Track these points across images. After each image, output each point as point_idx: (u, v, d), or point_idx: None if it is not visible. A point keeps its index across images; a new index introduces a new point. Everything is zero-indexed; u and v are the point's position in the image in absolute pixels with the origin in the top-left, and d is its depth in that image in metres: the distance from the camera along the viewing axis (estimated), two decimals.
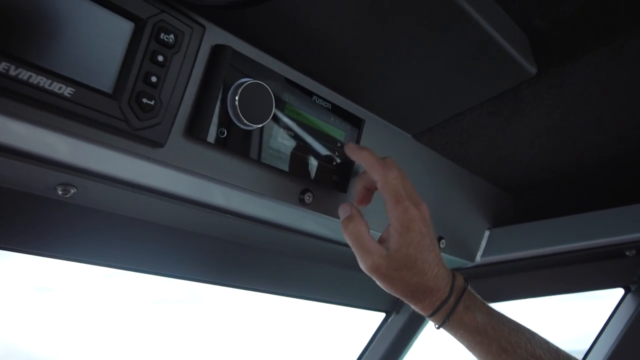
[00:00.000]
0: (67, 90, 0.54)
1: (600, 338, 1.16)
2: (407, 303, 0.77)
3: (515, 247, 1.13)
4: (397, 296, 0.76)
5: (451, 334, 0.78)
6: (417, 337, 1.34)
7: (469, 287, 0.78)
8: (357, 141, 0.84)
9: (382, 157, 0.75)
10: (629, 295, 1.14)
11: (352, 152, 0.77)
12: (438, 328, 0.77)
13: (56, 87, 0.53)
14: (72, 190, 0.69)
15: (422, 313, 0.76)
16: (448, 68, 0.81)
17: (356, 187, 0.79)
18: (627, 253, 1.08)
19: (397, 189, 0.72)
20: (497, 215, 1.17)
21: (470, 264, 1.14)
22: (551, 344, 0.77)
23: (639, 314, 1.10)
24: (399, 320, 1.32)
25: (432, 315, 0.75)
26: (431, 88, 0.85)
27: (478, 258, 1.15)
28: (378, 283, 0.75)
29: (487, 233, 1.15)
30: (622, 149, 1.02)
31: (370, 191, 0.78)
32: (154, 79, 0.59)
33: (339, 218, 0.83)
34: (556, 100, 0.87)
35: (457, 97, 0.87)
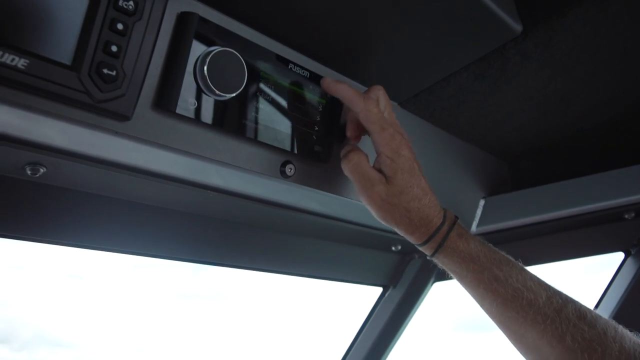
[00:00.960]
0: (21, 62, 0.52)
1: (602, 303, 1.17)
2: (402, 233, 0.79)
3: (512, 216, 1.13)
4: (394, 225, 0.78)
5: (443, 264, 0.79)
6: (415, 310, 1.35)
7: (458, 219, 0.81)
8: (340, 110, 0.83)
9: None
10: (629, 259, 1.14)
11: (329, 87, 0.77)
12: (431, 256, 0.79)
13: (8, 58, 0.51)
14: (42, 170, 0.69)
15: (415, 242, 0.78)
16: (430, 30, 0.79)
17: (348, 125, 0.80)
18: (626, 216, 1.08)
19: (378, 117, 0.74)
20: (493, 184, 1.17)
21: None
22: (541, 279, 0.79)
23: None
24: (397, 294, 1.33)
25: (426, 243, 0.77)
26: (414, 52, 0.84)
27: (474, 228, 1.14)
28: (376, 213, 0.78)
29: (482, 202, 1.15)
30: (617, 109, 1.01)
31: (360, 125, 0.80)
32: (114, 48, 0.58)
33: (323, 190, 0.84)
34: (544, 59, 0.86)
35: (441, 61, 0.86)
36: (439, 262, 0.80)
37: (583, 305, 0.76)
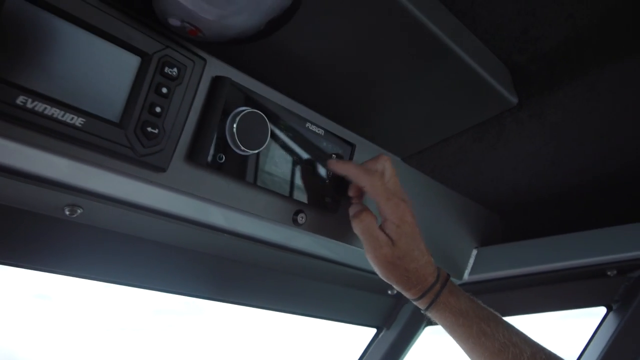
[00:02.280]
0: (79, 121, 0.55)
1: (583, 356, 1.17)
2: (399, 289, 0.82)
3: (502, 266, 1.15)
4: (393, 282, 0.81)
5: (435, 318, 0.82)
6: (407, 352, 1.35)
7: (450, 277, 0.84)
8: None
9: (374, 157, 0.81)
10: (610, 314, 1.15)
11: (336, 166, 0.81)
12: (425, 311, 0.82)
13: (68, 117, 0.54)
14: (79, 211, 0.71)
15: (411, 297, 0.82)
16: (434, 98, 0.83)
17: (351, 186, 0.83)
18: (609, 273, 1.10)
19: (383, 189, 0.77)
20: (485, 235, 1.19)
21: (458, 282, 1.15)
22: (527, 335, 0.81)
23: (620, 332, 1.11)
24: (390, 335, 1.32)
25: (420, 298, 0.80)
26: (419, 115, 0.88)
27: (466, 276, 1.16)
28: (380, 271, 0.81)
29: (474, 252, 1.17)
30: (601, 173, 1.04)
31: (362, 194, 0.84)
32: (158, 109, 0.61)
33: (330, 237, 0.87)
34: (537, 128, 0.90)
35: (444, 124, 0.90)
36: (432, 316, 0.82)
37: None
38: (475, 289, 1.20)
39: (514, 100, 0.82)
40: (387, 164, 0.81)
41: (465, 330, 0.80)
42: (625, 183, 1.06)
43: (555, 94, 0.83)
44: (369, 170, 0.79)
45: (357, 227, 0.80)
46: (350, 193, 0.82)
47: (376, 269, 0.81)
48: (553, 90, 0.82)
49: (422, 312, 0.83)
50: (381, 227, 0.80)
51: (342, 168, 0.81)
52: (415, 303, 0.82)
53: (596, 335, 1.16)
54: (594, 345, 1.15)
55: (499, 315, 0.81)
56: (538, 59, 0.78)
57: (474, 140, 0.93)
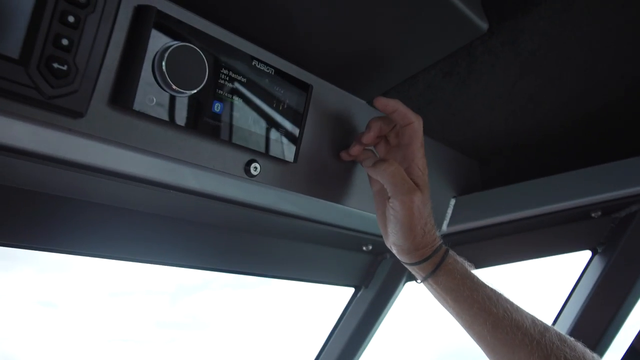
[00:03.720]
0: None
1: (569, 301, 1.19)
2: (409, 248, 0.81)
3: (482, 215, 1.14)
4: (409, 239, 0.80)
5: (439, 283, 0.82)
6: (387, 310, 1.36)
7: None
8: (306, 108, 0.82)
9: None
10: (596, 257, 1.17)
11: (383, 103, 0.80)
12: (429, 275, 0.81)
13: None
14: None
15: (416, 259, 0.81)
16: (396, 27, 0.79)
17: (372, 127, 0.82)
18: (593, 215, 1.11)
19: (422, 135, 0.82)
20: (463, 183, 1.18)
21: (440, 232, 1.15)
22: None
23: (607, 274, 1.13)
24: (369, 294, 1.33)
25: (426, 260, 0.81)
26: (381, 49, 0.84)
27: (444, 227, 1.15)
28: (407, 219, 0.79)
29: (452, 201, 1.16)
30: (585, 109, 1.02)
31: (380, 137, 0.85)
32: (65, 41, 0.56)
33: (290, 189, 0.84)
34: (511, 58, 0.87)
35: (409, 59, 0.86)
36: (435, 282, 0.82)
37: (561, 332, 0.80)
38: (455, 240, 1.20)
39: (484, 25, 0.78)
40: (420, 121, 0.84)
41: (470, 294, 0.80)
42: (609, 119, 1.04)
43: (529, 15, 0.79)
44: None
45: (386, 171, 0.79)
46: (366, 140, 0.82)
47: (403, 217, 0.80)
48: (526, 11, 0.78)
49: (420, 281, 0.84)
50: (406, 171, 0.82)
51: (391, 105, 0.80)
52: (416, 268, 0.83)
53: (582, 280, 1.18)
54: (580, 289, 1.18)
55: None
56: None
57: (443, 75, 0.89)
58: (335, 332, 1.38)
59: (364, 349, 1.40)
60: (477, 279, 0.82)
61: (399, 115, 0.81)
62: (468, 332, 0.83)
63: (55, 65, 0.55)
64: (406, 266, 0.85)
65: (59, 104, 0.57)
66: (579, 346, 0.78)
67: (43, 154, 0.65)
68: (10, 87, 0.53)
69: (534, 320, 0.79)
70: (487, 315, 0.79)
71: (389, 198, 0.80)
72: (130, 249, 0.93)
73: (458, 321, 0.83)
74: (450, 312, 0.84)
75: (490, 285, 0.82)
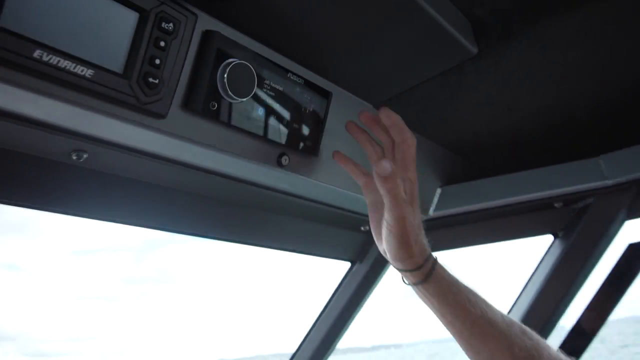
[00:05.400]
0: (88, 72, 0.59)
1: (530, 281, 1.26)
2: (403, 256, 0.81)
3: (462, 202, 1.22)
4: (402, 246, 0.80)
5: (428, 290, 0.82)
6: (378, 282, 1.42)
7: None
8: (326, 111, 0.90)
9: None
10: (556, 241, 1.23)
11: (388, 115, 0.82)
12: (420, 282, 0.81)
13: (79, 69, 0.58)
14: (85, 156, 0.75)
15: (408, 267, 0.81)
16: (402, 48, 0.86)
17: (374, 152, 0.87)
18: (556, 205, 1.19)
19: (414, 151, 0.82)
20: (448, 175, 1.24)
21: (424, 218, 1.20)
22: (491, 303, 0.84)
23: (564, 256, 1.20)
24: (363, 268, 1.38)
25: (418, 269, 0.80)
26: (388, 64, 0.91)
27: (431, 212, 1.22)
28: (398, 230, 0.79)
29: (438, 190, 1.23)
30: (553, 117, 1.10)
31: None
32: (157, 61, 0.65)
33: (312, 178, 0.91)
34: (495, 76, 0.95)
35: (411, 73, 0.93)
36: (426, 287, 0.81)
37: (522, 324, 0.83)
38: (439, 223, 1.29)
39: (474, 50, 0.85)
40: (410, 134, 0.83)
41: (454, 298, 0.81)
42: (572, 127, 1.12)
43: (511, 44, 0.87)
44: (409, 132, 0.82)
45: (385, 186, 0.78)
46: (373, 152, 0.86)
47: (395, 228, 0.80)
48: (509, 41, 0.86)
49: (413, 284, 0.83)
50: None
51: (392, 117, 0.82)
52: (409, 275, 0.82)
53: (543, 261, 1.25)
54: (542, 268, 1.24)
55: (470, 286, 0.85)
56: (496, 12, 0.81)
57: (439, 87, 0.96)
58: (332, 301, 1.44)
59: (356, 315, 1.45)
60: (461, 283, 0.83)
61: (397, 129, 0.82)
62: (448, 328, 0.84)
63: (150, 79, 0.65)
64: (398, 271, 0.84)
65: (149, 108, 0.66)
66: (535, 335, 0.81)
67: (128, 146, 0.75)
68: (116, 95, 0.63)
69: (503, 317, 0.82)
70: (467, 315, 0.81)
71: (384, 212, 0.80)
72: (184, 224, 1.01)
73: (440, 319, 0.84)
74: (433, 311, 0.84)
75: (470, 288, 0.83)
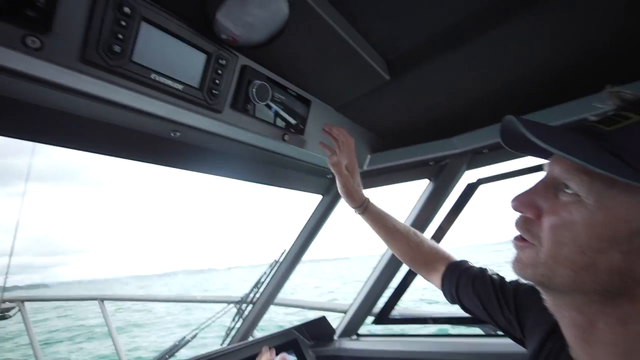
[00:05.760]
0: (180, 86, 0.63)
1: (417, 203, 1.24)
2: (350, 201, 0.84)
3: (381, 162, 1.21)
4: (349, 198, 0.83)
5: (367, 214, 0.84)
6: (335, 207, 1.37)
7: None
8: (308, 110, 0.90)
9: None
10: (430, 183, 1.22)
11: (337, 130, 0.83)
12: (363, 212, 0.83)
13: (176, 84, 0.62)
14: (178, 134, 0.78)
15: (354, 206, 0.84)
16: (347, 77, 0.83)
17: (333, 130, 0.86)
18: (430, 163, 1.17)
19: (352, 146, 0.85)
20: (374, 147, 1.22)
21: (361, 170, 1.19)
22: (398, 220, 0.86)
23: (434, 191, 1.19)
24: (327, 199, 1.34)
25: (359, 207, 0.84)
26: (340, 86, 0.89)
27: (365, 167, 1.21)
28: (344, 191, 0.82)
29: (369, 156, 1.23)
30: (432, 115, 1.04)
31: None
32: (217, 81, 0.69)
33: (302, 147, 0.91)
34: (401, 92, 0.92)
35: (352, 89, 0.91)
36: (364, 216, 0.84)
37: (416, 230, 0.85)
38: (370, 173, 1.28)
39: (387, 77, 0.83)
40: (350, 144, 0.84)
41: (379, 219, 0.85)
42: (443, 120, 1.08)
43: (411, 73, 0.84)
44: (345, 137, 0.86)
45: (334, 168, 0.81)
46: (331, 161, 0.86)
47: (342, 189, 0.83)
48: (410, 71, 0.83)
49: (357, 212, 0.85)
50: (345, 166, 0.84)
51: (336, 130, 0.85)
52: (355, 209, 0.85)
53: (423, 194, 1.24)
54: (422, 198, 1.24)
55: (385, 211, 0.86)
56: (403, 56, 0.78)
57: (366, 98, 0.94)
58: (307, 223, 1.38)
59: (318, 232, 1.38)
60: (382, 211, 0.83)
61: (343, 136, 0.86)
62: (379, 234, 0.84)
63: (214, 91, 0.68)
64: (350, 207, 0.86)
65: (213, 107, 0.69)
66: (420, 234, 0.85)
67: (203, 129, 0.76)
68: (196, 100, 0.66)
69: (405, 226, 0.84)
70: (386, 227, 0.83)
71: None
72: (230, 171, 0.99)
73: (375, 231, 0.84)
74: (372, 228, 0.85)
75: (387, 212, 0.84)
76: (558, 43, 0.70)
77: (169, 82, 0.61)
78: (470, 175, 1.18)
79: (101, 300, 2.69)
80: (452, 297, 0.74)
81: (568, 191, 0.40)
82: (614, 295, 0.38)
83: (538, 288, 0.44)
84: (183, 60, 0.63)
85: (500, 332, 0.65)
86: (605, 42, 0.69)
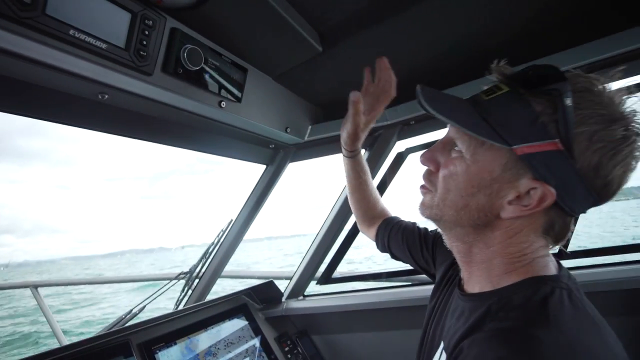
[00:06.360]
0: (104, 45, 0.61)
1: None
2: (352, 141, 0.80)
3: (321, 132, 1.23)
4: (354, 137, 0.78)
5: (356, 160, 0.85)
6: (279, 178, 1.39)
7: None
8: (245, 78, 0.89)
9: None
10: (366, 153, 1.22)
11: (356, 97, 0.74)
12: (354, 157, 0.83)
13: (99, 43, 0.60)
14: (106, 96, 0.75)
15: (352, 149, 0.81)
16: (282, 47, 0.83)
17: (354, 97, 0.75)
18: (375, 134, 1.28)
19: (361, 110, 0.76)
20: (314, 118, 1.24)
21: (302, 140, 1.23)
22: (369, 176, 0.88)
23: (371, 157, 1.20)
24: (271, 169, 1.36)
25: (354, 150, 0.82)
26: (276, 55, 0.90)
27: (306, 138, 1.23)
28: (351, 129, 0.77)
29: (310, 126, 1.23)
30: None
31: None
32: (144, 42, 0.67)
33: (239, 115, 0.91)
34: (333, 65, 0.93)
35: (288, 59, 0.91)
36: (353, 160, 0.84)
37: (377, 190, 0.87)
38: (310, 144, 1.32)
39: (320, 48, 0.84)
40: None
41: (361, 171, 0.87)
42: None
43: (343, 45, 0.85)
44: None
45: (354, 105, 0.75)
46: (354, 97, 0.75)
47: (350, 128, 0.78)
48: (342, 43, 0.85)
49: (348, 157, 0.85)
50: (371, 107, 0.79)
51: (382, 62, 0.76)
52: (349, 152, 0.83)
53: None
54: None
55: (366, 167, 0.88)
56: (335, 26, 0.79)
57: (305, 69, 0.96)
58: (250, 195, 1.40)
59: (264, 203, 1.41)
60: (365, 164, 0.86)
61: (386, 79, 0.76)
62: (351, 182, 0.85)
63: (141, 52, 0.66)
64: (344, 151, 0.84)
65: (142, 69, 0.68)
66: (378, 194, 0.89)
67: (130, 91, 0.74)
68: (122, 60, 0.63)
69: (372, 183, 0.88)
70: (361, 179, 0.86)
71: (350, 118, 0.76)
72: (159, 137, 0.95)
73: (349, 178, 0.86)
74: (348, 174, 0.86)
75: (367, 167, 0.87)
76: (483, 19, 0.74)
77: (91, 40, 0.59)
78: (400, 145, 1.22)
79: (34, 287, 2.54)
80: (384, 246, 0.83)
81: (456, 148, 0.50)
82: (482, 227, 0.50)
83: (435, 224, 0.55)
84: (106, 18, 0.61)
85: (424, 281, 0.75)
86: (527, 18, 0.73)
